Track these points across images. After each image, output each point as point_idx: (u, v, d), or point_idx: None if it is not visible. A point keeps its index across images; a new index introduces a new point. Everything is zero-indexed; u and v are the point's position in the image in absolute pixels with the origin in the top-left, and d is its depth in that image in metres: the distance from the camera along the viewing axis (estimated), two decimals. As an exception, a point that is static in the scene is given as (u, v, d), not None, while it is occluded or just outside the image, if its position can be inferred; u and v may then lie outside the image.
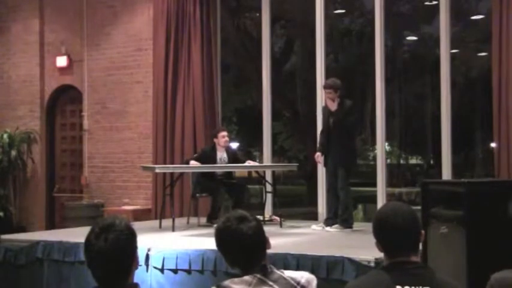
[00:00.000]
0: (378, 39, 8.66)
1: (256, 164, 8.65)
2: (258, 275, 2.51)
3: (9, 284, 6.70)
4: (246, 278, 2.51)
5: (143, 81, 10.01)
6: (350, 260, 5.23)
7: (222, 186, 8.02)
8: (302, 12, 10.65)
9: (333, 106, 7.50)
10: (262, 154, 9.56)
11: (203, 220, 8.19)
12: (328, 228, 7.42)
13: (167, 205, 8.23)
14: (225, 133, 8.07)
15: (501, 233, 4.63)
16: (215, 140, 8.09)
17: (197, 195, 8.21)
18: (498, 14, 7.71)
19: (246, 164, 8.08)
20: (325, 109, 7.70)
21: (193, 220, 8.37)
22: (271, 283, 2.51)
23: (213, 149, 8.05)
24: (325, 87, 7.62)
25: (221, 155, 8.03)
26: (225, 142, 8.02)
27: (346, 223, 7.41)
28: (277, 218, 8.14)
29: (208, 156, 7.95)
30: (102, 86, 10.33)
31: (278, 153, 11.63)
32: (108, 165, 10.25)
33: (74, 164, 10.83)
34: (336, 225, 7.41)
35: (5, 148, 10.40)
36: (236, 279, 2.52)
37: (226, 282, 2.51)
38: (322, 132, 7.90)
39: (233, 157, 8.11)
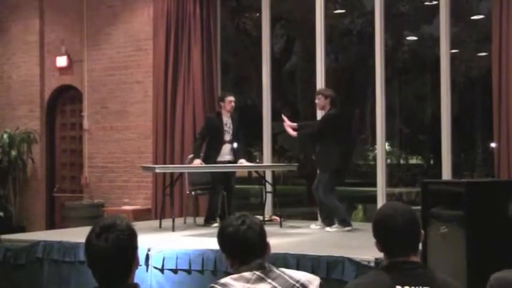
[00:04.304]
0: (378, 39, 8.66)
1: (254, 164, 8.64)
2: (258, 272, 2.52)
3: (9, 284, 6.70)
4: (245, 274, 2.52)
5: (143, 81, 10.01)
6: (350, 260, 5.23)
7: (220, 183, 7.97)
8: (302, 12, 10.65)
9: (323, 112, 7.68)
10: (262, 154, 9.55)
11: (203, 220, 8.19)
12: (328, 229, 7.43)
13: (167, 205, 8.23)
14: (232, 98, 8.00)
15: (501, 233, 4.64)
16: (221, 103, 8.05)
17: (193, 193, 8.22)
18: (498, 14, 7.70)
19: (245, 164, 8.07)
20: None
21: (193, 220, 8.39)
22: (270, 280, 2.52)
23: (219, 116, 8.02)
24: (316, 93, 7.80)
25: (226, 120, 8.00)
26: (232, 107, 7.98)
27: (345, 222, 7.43)
28: (277, 218, 8.14)
29: (214, 125, 7.94)
30: (102, 86, 10.33)
31: (278, 153, 11.63)
32: (108, 165, 10.26)
33: (74, 164, 10.83)
34: (335, 225, 7.43)
35: (5, 148, 10.40)
36: (235, 276, 2.52)
37: (225, 279, 2.52)
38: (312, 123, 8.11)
39: (236, 128, 8.04)
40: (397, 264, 2.45)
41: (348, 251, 5.56)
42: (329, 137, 7.49)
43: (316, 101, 7.70)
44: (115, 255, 2.29)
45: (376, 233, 2.54)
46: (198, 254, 5.84)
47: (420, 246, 2.60)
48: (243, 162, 7.99)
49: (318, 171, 7.70)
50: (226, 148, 7.99)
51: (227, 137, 7.99)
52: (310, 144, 7.74)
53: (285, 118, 7.89)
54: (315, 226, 7.77)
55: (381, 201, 8.46)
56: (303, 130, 7.66)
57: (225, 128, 7.97)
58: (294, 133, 7.69)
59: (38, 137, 10.64)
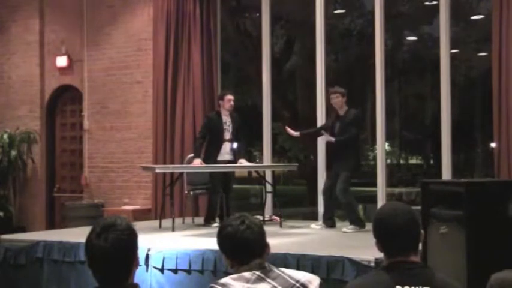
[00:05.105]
0: (378, 39, 8.66)
1: (254, 164, 8.65)
2: (257, 272, 2.52)
3: (9, 284, 6.70)
4: (245, 274, 2.52)
5: (143, 81, 10.01)
6: (350, 260, 5.23)
7: (220, 183, 7.97)
8: (302, 12, 10.65)
9: (341, 111, 7.62)
10: (262, 154, 9.55)
11: (202, 220, 8.20)
12: (344, 229, 7.36)
13: (167, 205, 8.23)
14: (231, 97, 8.00)
15: (501, 233, 4.64)
16: (220, 102, 8.05)
17: (191, 193, 8.23)
18: (498, 14, 7.70)
19: (244, 164, 8.06)
20: (333, 115, 7.81)
21: (192, 220, 8.39)
22: (270, 280, 2.52)
23: (218, 115, 8.01)
24: (331, 92, 7.72)
25: (226, 119, 8.01)
26: (231, 106, 7.98)
27: (361, 222, 7.42)
28: (277, 218, 8.13)
29: (214, 124, 7.95)
30: (102, 86, 10.33)
31: (278, 153, 11.63)
32: (108, 165, 10.25)
33: (74, 164, 10.83)
34: (352, 226, 7.40)
35: (5, 148, 10.40)
36: (235, 276, 2.52)
37: (225, 279, 2.52)
38: (317, 129, 8.18)
39: (236, 127, 8.04)
40: (397, 264, 2.45)
41: (348, 251, 5.55)
42: (352, 141, 7.54)
43: (334, 100, 7.62)
44: (115, 255, 2.29)
45: (376, 233, 2.54)
46: (198, 254, 5.84)
47: (420, 246, 2.60)
48: (243, 162, 7.99)
49: (333, 171, 7.61)
50: (226, 147, 8.00)
51: (227, 135, 8.00)
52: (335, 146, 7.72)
53: (289, 129, 7.95)
54: (315, 226, 7.77)
55: (381, 201, 8.46)
56: (340, 137, 7.53)
57: (225, 127, 7.98)
58: (331, 139, 7.58)
59: (38, 137, 10.64)
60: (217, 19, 9.75)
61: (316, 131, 8.20)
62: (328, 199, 7.70)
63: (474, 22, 10.07)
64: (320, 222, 7.83)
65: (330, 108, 8.68)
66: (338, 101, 7.60)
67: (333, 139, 7.55)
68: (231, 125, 8.00)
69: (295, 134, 8.01)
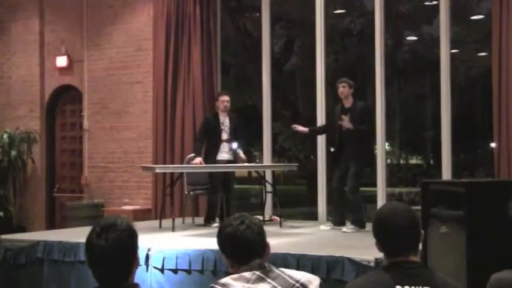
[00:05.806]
0: (377, 39, 8.66)
1: (254, 164, 8.64)
2: (257, 272, 2.52)
3: (9, 284, 6.70)
4: (245, 274, 2.52)
5: (143, 81, 10.01)
6: (350, 260, 5.23)
7: (220, 183, 7.98)
8: (302, 12, 10.66)
9: (347, 103, 7.55)
10: (262, 154, 9.56)
11: (202, 220, 8.20)
12: (344, 229, 7.34)
13: (167, 205, 8.23)
14: (225, 98, 8.06)
15: (501, 233, 4.63)
16: (216, 103, 8.15)
17: (191, 193, 8.24)
18: (498, 14, 7.71)
19: (245, 163, 8.06)
20: (339, 107, 7.69)
21: (192, 220, 8.39)
22: (269, 280, 2.52)
23: (216, 115, 8.08)
24: (340, 81, 7.59)
25: (223, 119, 8.06)
26: (225, 107, 8.03)
27: (362, 223, 7.37)
28: (277, 218, 8.13)
29: (211, 124, 8.02)
30: (102, 86, 10.33)
31: (278, 153, 11.63)
32: (108, 165, 10.26)
33: (74, 164, 10.83)
34: (352, 226, 7.36)
35: (5, 148, 10.40)
36: (235, 276, 2.52)
37: (225, 279, 2.52)
38: (324, 125, 8.31)
39: (233, 128, 8.06)
40: (397, 264, 2.46)
41: (348, 251, 5.56)
42: (363, 134, 7.47)
43: (341, 89, 7.51)
44: (115, 255, 2.29)
45: (376, 233, 2.54)
46: (198, 254, 5.84)
47: (420, 246, 2.60)
48: (241, 155, 7.98)
49: (342, 165, 7.51)
50: (224, 147, 8.03)
51: (224, 136, 8.03)
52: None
53: (298, 127, 7.95)
54: (324, 227, 7.65)
55: (381, 201, 8.46)
56: (359, 126, 7.34)
57: (222, 127, 8.02)
58: (350, 125, 7.32)
59: (38, 137, 10.64)
60: (217, 19, 9.75)
61: (324, 126, 8.23)
62: (339, 197, 7.58)
63: (474, 22, 10.07)
64: (329, 223, 7.77)
65: (330, 108, 8.70)
66: (345, 90, 7.50)
67: (351, 125, 7.32)
68: (228, 126, 8.04)
69: (305, 130, 7.98)
